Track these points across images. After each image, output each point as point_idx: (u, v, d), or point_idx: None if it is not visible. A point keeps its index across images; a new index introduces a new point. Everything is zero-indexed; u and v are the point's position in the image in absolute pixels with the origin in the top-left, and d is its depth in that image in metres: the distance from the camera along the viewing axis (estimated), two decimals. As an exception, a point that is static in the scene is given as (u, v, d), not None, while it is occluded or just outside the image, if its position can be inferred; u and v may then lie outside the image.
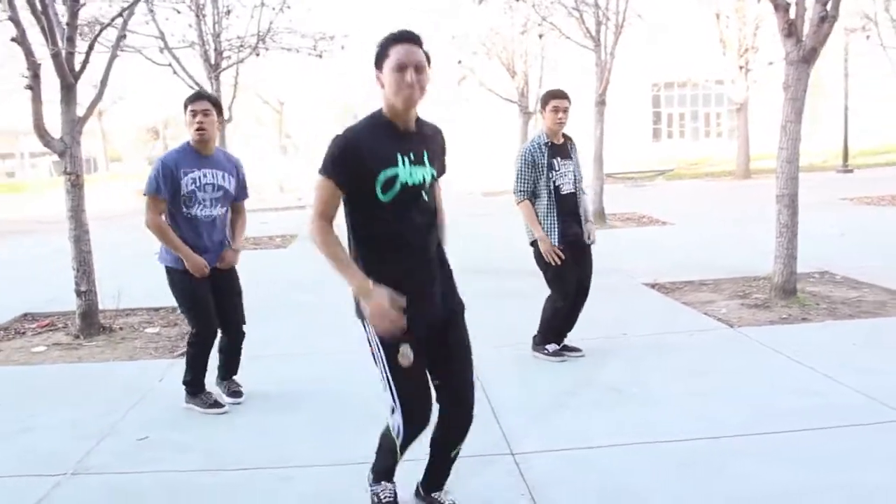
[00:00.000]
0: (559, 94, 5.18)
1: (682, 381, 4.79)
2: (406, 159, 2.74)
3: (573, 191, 5.23)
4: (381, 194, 2.71)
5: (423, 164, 2.81)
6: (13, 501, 3.47)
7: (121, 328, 6.89)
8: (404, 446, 2.92)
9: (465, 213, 15.17)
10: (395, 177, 2.71)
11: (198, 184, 4.43)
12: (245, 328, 4.80)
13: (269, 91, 29.58)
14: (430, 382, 2.91)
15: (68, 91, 6.49)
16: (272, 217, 18.20)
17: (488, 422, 4.18)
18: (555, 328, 5.33)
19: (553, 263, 5.11)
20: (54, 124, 6.57)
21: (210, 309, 4.54)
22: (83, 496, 3.52)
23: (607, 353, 5.41)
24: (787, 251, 6.87)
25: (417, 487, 3.19)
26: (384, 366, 2.80)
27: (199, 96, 4.52)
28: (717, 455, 3.67)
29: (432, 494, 3.16)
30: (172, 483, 3.62)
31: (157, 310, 7.35)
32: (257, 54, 13.24)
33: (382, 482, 3.11)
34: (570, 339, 5.41)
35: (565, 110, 5.13)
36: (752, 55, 21.76)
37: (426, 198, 2.83)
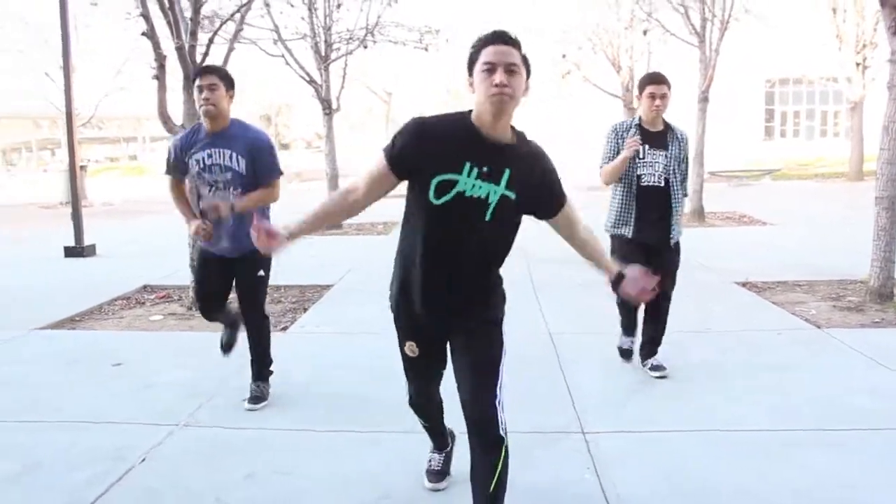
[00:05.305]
0: (656, 79, 4.62)
1: (759, 376, 4.86)
2: (475, 170, 2.48)
3: (659, 184, 4.63)
4: (434, 197, 2.51)
5: (497, 182, 2.50)
6: (134, 444, 3.92)
7: (230, 301, 7.39)
8: (413, 409, 3.22)
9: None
10: (454, 183, 2.49)
11: (202, 165, 4.20)
12: (271, 322, 4.90)
13: (377, 82, 30.30)
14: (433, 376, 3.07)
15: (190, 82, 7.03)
16: (375, 204, 18.73)
17: (564, 402, 4.41)
18: (622, 322, 5.11)
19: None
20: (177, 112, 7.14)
21: (204, 289, 4.73)
22: (192, 445, 3.95)
23: (689, 346, 5.50)
24: (885, 254, 6.76)
25: None
26: None
27: (205, 70, 4.28)
28: (784, 447, 3.76)
29: None
30: (268, 439, 4.00)
31: (265, 286, 7.82)
32: (365, 47, 13.76)
33: (432, 452, 3.46)
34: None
35: (663, 96, 4.55)
36: (870, 51, 20.87)
37: (488, 218, 2.52)
